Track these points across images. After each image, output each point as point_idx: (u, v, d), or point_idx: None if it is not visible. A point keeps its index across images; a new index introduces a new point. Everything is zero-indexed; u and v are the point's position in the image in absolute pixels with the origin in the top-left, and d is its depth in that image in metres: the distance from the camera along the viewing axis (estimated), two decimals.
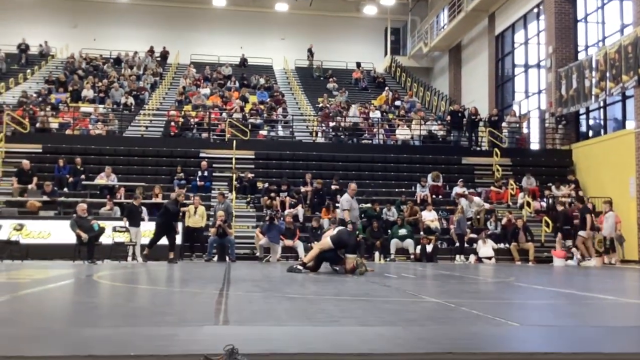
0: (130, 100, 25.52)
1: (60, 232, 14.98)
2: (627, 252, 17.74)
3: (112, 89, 26.22)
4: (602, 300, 6.83)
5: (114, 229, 14.95)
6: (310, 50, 35.63)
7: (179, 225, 16.03)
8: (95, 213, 16.33)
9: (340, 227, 11.53)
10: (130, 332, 3.91)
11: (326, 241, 10.88)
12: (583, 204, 17.60)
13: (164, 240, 14.69)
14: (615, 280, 10.97)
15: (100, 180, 18.69)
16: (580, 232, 16.57)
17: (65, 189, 18.52)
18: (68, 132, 22.11)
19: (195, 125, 23.26)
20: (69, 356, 3.12)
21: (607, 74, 19.17)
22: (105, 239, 14.55)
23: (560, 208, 18.43)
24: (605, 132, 21.29)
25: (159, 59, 33.59)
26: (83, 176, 19.00)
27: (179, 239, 16.17)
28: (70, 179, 18.80)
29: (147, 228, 15.55)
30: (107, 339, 3.61)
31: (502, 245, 17.80)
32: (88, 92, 26.08)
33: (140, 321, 4.68)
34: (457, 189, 20.09)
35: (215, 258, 15.98)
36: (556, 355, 3.33)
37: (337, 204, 18.55)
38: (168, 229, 14.75)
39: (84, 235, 13.76)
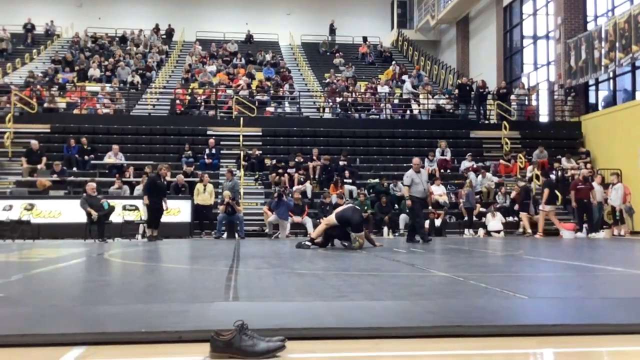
0: (137, 78, 25.51)
1: (71, 211, 15.11)
2: (636, 223, 17.70)
3: (119, 68, 26.18)
4: (610, 272, 6.83)
5: (124, 208, 15.04)
6: (332, 26, 35.30)
7: (189, 203, 16.11)
8: (105, 192, 16.44)
9: (349, 205, 11.55)
10: (142, 309, 3.96)
11: (331, 218, 10.91)
12: (547, 178, 17.55)
13: (169, 219, 14.57)
14: (624, 251, 10.96)
15: (109, 159, 18.77)
16: (544, 206, 16.42)
17: (75, 169, 18.62)
18: (76, 111, 22.15)
19: (203, 103, 23.23)
20: (81, 333, 3.17)
21: (617, 45, 18.93)
22: (115, 218, 14.64)
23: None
24: (615, 104, 21.10)
25: (164, 36, 33.44)
26: (92, 155, 19.09)
27: (188, 217, 16.28)
28: (80, 158, 18.89)
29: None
30: (118, 316, 3.66)
31: (510, 219, 17.79)
32: (95, 71, 26.06)
33: (151, 298, 4.73)
34: (466, 163, 20.03)
35: (225, 235, 16.08)
36: (564, 327, 3.36)
37: (345, 180, 18.60)
38: (157, 206, 14.15)
39: (94, 213, 13.85)
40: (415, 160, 13.34)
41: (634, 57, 18.39)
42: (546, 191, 16.40)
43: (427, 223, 17.12)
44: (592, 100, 22.77)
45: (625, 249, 11.71)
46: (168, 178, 17.62)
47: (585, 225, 16.73)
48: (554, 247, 12.06)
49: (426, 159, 20.12)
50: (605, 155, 20.11)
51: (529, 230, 16.58)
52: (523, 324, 3.49)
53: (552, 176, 19.77)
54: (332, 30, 35.36)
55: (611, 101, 21.57)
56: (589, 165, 19.65)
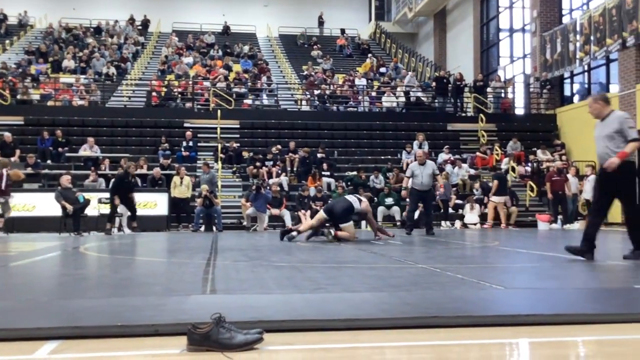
0: (112, 70, 25.21)
1: (45, 204, 14.92)
2: (610, 215, 17.94)
3: (94, 59, 25.84)
4: (584, 262, 6.93)
5: (99, 201, 14.89)
6: (320, 19, 35.18)
7: (166, 196, 16.01)
8: (80, 185, 16.25)
9: (347, 196, 11.54)
10: (118, 303, 3.92)
11: (320, 215, 10.89)
12: (497, 170, 17.73)
13: (146, 212, 14.59)
14: (598, 242, 11.11)
15: (84, 152, 18.54)
16: (492, 197, 16.58)
17: (49, 161, 18.37)
18: (50, 103, 21.83)
19: (179, 95, 23.04)
20: (56, 327, 3.13)
21: (592, 38, 19.17)
22: (91, 211, 14.49)
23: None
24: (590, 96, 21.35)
25: (140, 27, 33.06)
26: (67, 148, 18.84)
27: (165, 210, 16.18)
28: (54, 151, 18.64)
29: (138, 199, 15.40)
30: (94, 310, 3.62)
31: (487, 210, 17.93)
32: (69, 63, 25.70)
33: (127, 292, 4.69)
34: (443, 155, 20.16)
35: (202, 228, 16.00)
36: (538, 317, 3.40)
37: (323, 172, 18.62)
38: (124, 200, 14.41)
39: (69, 207, 13.70)
40: (419, 152, 13.39)
41: (608, 50, 18.63)
42: (495, 183, 16.62)
43: (404, 215, 17.26)
44: (567, 92, 23.04)
45: (599, 240, 11.87)
46: (144, 171, 17.52)
47: (560, 217, 16.96)
48: (529, 239, 12.21)
49: (404, 152, 20.22)
50: (579, 148, 20.37)
51: (490, 221, 16.66)
52: (499, 314, 3.53)
53: (527, 168, 20.02)
54: (321, 23, 35.26)
55: (586, 94, 21.84)
56: (563, 158, 19.90)
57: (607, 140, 6.63)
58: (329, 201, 10.91)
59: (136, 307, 3.69)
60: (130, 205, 14.58)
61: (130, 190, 14.69)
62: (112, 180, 15.02)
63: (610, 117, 6.74)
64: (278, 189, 17.16)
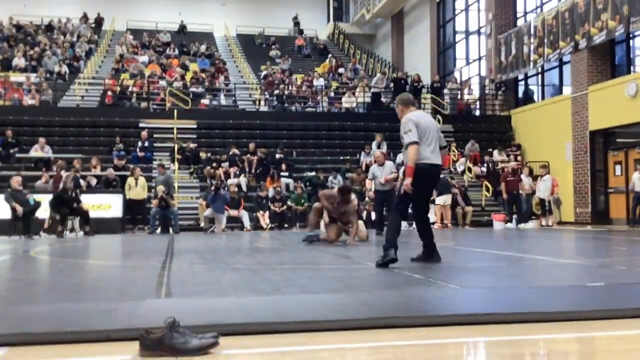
0: (64, 68, 24.60)
1: None
2: (563, 214, 18.42)
3: (45, 57, 25.18)
4: (538, 261, 7.06)
5: (50, 204, 14.48)
6: (295, 19, 35.01)
7: (120, 198, 15.71)
8: (31, 187, 15.81)
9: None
10: (68, 308, 3.80)
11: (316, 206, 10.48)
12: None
13: (99, 214, 14.18)
14: (552, 241, 11.37)
15: (35, 152, 18.05)
16: (437, 199, 16.46)
17: None
18: None
19: (134, 94, 22.64)
20: (3, 334, 3.01)
21: (545, 40, 19.60)
22: (42, 213, 14.11)
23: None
24: (543, 98, 21.86)
25: (93, 25, 32.37)
26: (17, 148, 18.32)
27: (120, 212, 15.87)
28: (4, 151, 18.10)
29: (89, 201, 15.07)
30: (43, 316, 3.50)
31: None
32: (19, 61, 24.96)
33: (78, 297, 4.56)
34: (402, 156, 20.28)
35: (158, 230, 15.75)
36: (495, 316, 3.42)
37: (282, 173, 18.55)
38: (71, 212, 14.08)
39: (20, 209, 13.31)
40: (377, 153, 13.41)
41: (561, 53, 19.08)
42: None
43: (363, 215, 17.33)
44: (521, 94, 23.52)
45: (553, 239, 12.15)
46: (98, 172, 17.16)
47: (514, 216, 17.28)
48: (485, 238, 12.40)
49: (362, 152, 20.29)
50: (534, 148, 20.81)
51: (439, 222, 16.73)
52: (456, 313, 3.54)
53: (483, 168, 20.35)
54: (296, 24, 35.10)
55: (539, 95, 22.34)
56: (518, 158, 20.29)
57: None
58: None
59: (87, 312, 3.58)
60: (80, 213, 14.18)
61: (73, 202, 14.12)
62: (51, 198, 14.41)
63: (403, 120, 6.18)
64: (236, 189, 17.02)
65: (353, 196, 10.84)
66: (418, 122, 6.14)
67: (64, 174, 15.09)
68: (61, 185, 14.55)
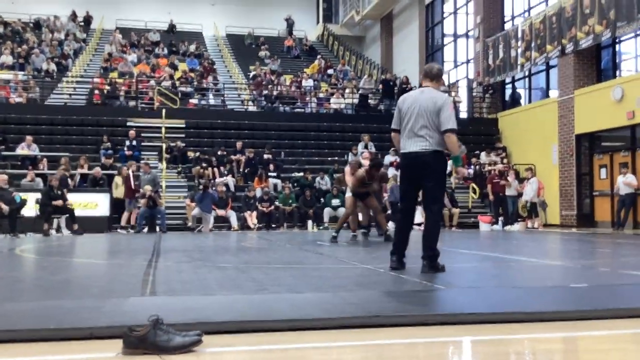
0: (52, 66, 24.43)
1: None
2: (549, 217, 18.53)
3: (33, 55, 25.00)
4: (523, 262, 7.10)
5: (37, 201, 14.39)
6: (288, 21, 34.92)
7: (107, 197, 15.63)
8: (17, 185, 15.70)
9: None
10: (53, 306, 3.78)
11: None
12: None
13: (86, 212, 14.12)
14: (537, 243, 11.45)
15: (21, 150, 17.91)
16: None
17: None
18: None
19: (123, 93, 22.53)
20: None
21: (532, 44, 19.73)
22: (28, 212, 14.01)
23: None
24: (530, 101, 21.99)
25: (82, 24, 32.17)
26: (3, 146, 18.17)
27: (107, 211, 15.79)
28: None
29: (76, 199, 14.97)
30: (27, 313, 3.48)
31: None
32: (7, 58, 24.74)
33: (63, 294, 4.53)
34: (389, 157, 20.34)
35: (146, 229, 15.68)
36: (479, 315, 3.45)
37: (269, 173, 18.53)
38: (57, 211, 14.17)
39: (5, 208, 13.21)
40: (365, 154, 13.41)
41: (548, 57, 19.21)
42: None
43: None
44: (508, 97, 23.64)
45: (538, 240, 12.23)
46: (85, 170, 17.06)
47: (500, 218, 17.37)
48: (471, 240, 12.45)
49: (350, 153, 20.31)
50: (520, 151, 20.93)
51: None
52: (440, 313, 3.56)
53: (470, 171, 20.42)
54: (289, 25, 35.03)
55: (526, 99, 22.47)
56: (505, 161, 20.40)
57: None
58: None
59: (72, 309, 3.56)
60: (67, 211, 14.14)
61: (59, 200, 14.12)
62: (39, 197, 14.37)
63: None
64: (224, 189, 16.99)
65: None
66: (401, 105, 5.63)
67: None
68: (49, 183, 14.52)
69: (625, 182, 15.46)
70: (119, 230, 15.55)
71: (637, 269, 6.08)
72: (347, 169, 10.58)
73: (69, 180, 15.88)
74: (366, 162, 12.53)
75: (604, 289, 4.68)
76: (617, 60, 18.70)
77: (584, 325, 3.36)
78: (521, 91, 23.10)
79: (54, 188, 14.14)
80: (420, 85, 5.99)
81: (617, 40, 17.94)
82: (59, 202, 14.00)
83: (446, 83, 25.54)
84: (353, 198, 10.76)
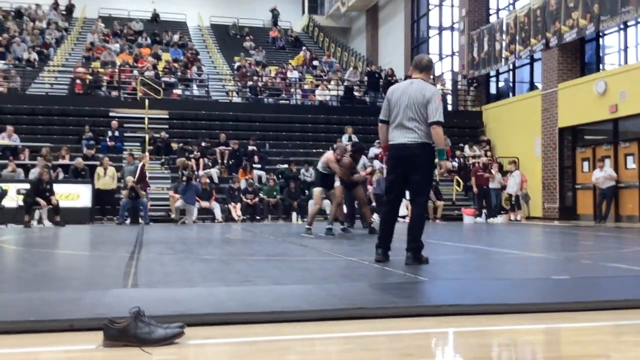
0: (34, 55, 24.10)
1: None
2: (532, 209, 18.67)
3: (14, 44, 24.63)
4: (506, 254, 7.14)
5: (18, 192, 14.24)
6: (273, 12, 34.66)
7: (89, 188, 15.48)
8: None
9: None
10: (32, 297, 3.73)
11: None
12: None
13: (68, 204, 14.02)
14: (520, 235, 11.53)
15: (2, 140, 17.68)
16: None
17: None
18: None
19: (105, 83, 22.30)
20: None
21: (517, 37, 19.81)
22: (9, 202, 13.84)
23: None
24: (514, 94, 22.10)
25: (64, 12, 31.74)
26: None
27: (89, 202, 15.64)
28: None
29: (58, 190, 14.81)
30: (7, 305, 3.43)
31: None
32: None
33: (44, 286, 4.48)
34: (374, 150, 20.36)
35: (128, 221, 15.57)
36: (461, 307, 3.46)
37: (254, 165, 18.46)
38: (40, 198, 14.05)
39: None
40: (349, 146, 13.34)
41: (532, 50, 19.30)
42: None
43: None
44: (492, 90, 23.74)
45: (521, 233, 12.32)
46: (66, 161, 16.88)
47: (484, 211, 17.47)
48: (455, 232, 12.51)
49: (334, 145, 20.26)
50: (504, 144, 21.04)
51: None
52: (423, 304, 3.56)
53: (455, 163, 20.51)
54: (275, 16, 34.80)
55: (510, 92, 22.58)
56: (488, 154, 20.50)
57: None
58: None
59: (52, 301, 3.53)
60: (51, 204, 14.04)
61: (47, 192, 14.06)
62: (27, 187, 14.26)
63: None
64: (208, 181, 16.90)
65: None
66: (390, 97, 5.61)
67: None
68: (39, 176, 14.38)
69: (605, 177, 15.62)
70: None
71: (618, 262, 6.14)
72: (331, 155, 10.50)
73: (52, 172, 15.71)
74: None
75: (586, 281, 4.71)
76: (600, 54, 18.84)
77: (566, 316, 3.38)
78: (505, 84, 23.19)
79: (44, 182, 14.00)
80: (408, 77, 5.96)
81: (600, 34, 18.06)
82: (44, 203, 13.90)
83: (431, 75, 25.58)
84: (342, 187, 10.74)
